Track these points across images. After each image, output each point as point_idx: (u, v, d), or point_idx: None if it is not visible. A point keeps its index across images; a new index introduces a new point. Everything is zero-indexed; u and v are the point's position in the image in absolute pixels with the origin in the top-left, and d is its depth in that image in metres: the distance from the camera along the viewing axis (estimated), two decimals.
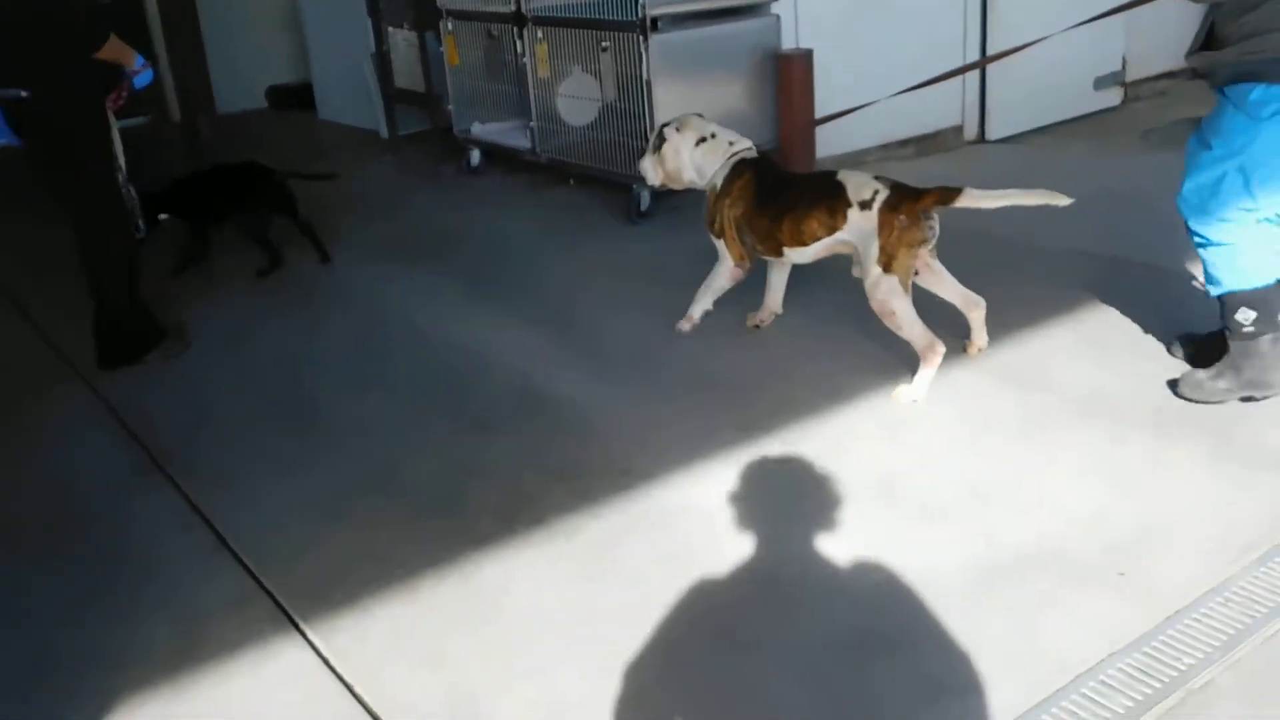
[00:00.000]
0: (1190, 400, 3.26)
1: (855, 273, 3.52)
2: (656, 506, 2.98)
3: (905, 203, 3.32)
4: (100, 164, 3.92)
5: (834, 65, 5.55)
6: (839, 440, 3.25)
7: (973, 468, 3.06)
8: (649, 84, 5.09)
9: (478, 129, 6.42)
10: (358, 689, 2.39)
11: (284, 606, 2.67)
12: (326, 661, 2.49)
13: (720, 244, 3.82)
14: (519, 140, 6.12)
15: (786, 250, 3.65)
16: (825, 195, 3.47)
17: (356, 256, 5.20)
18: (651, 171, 3.93)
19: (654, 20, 5.02)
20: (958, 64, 6.21)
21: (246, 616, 2.65)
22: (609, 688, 2.33)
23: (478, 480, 3.18)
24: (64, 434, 3.66)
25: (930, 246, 3.42)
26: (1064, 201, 3.29)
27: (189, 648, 2.55)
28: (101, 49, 3.84)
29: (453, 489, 3.14)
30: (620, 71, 5.26)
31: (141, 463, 3.42)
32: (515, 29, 5.76)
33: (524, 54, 5.76)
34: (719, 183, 3.75)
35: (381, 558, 2.83)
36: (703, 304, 3.95)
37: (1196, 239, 3.25)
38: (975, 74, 6.37)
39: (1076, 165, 5.92)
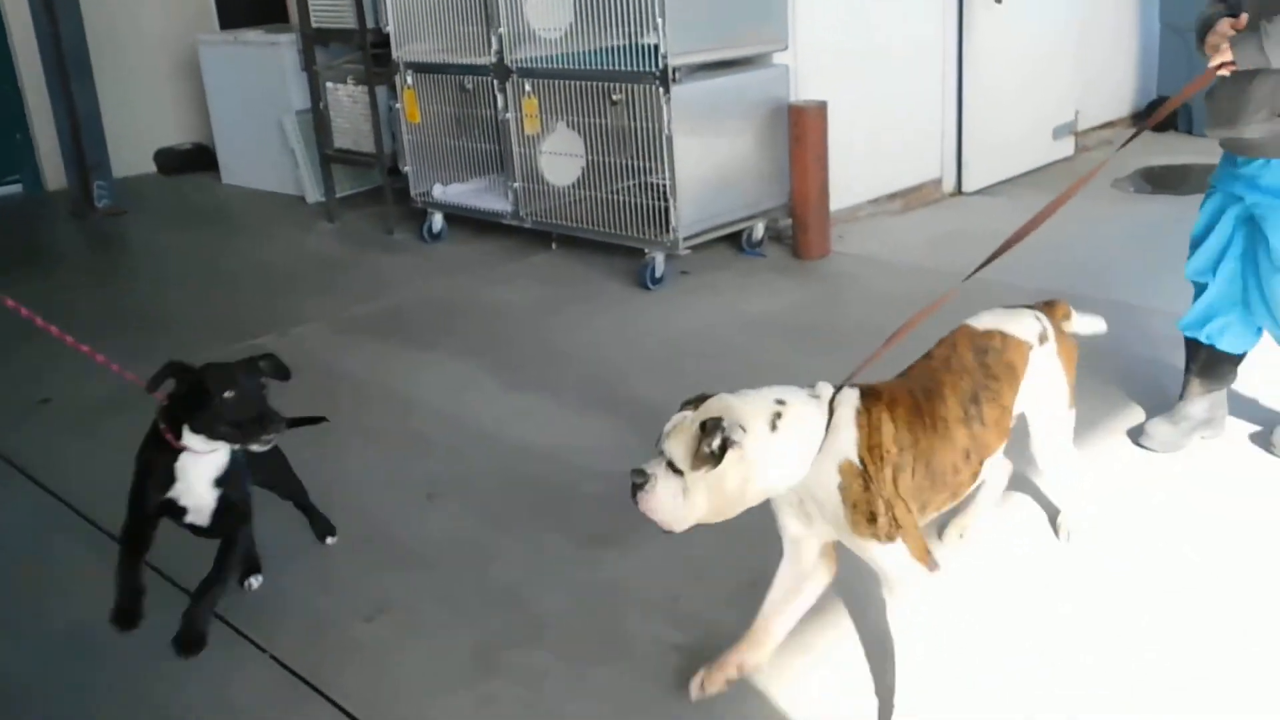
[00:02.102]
0: None
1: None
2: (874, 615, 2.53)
3: (1062, 318, 2.70)
4: None
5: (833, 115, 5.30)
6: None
7: None
8: (670, 139, 4.69)
9: (440, 192, 5.86)
10: None
11: None
12: None
13: (892, 550, 2.19)
14: (494, 203, 5.60)
15: (986, 464, 2.45)
16: (985, 354, 2.46)
17: (344, 340, 4.57)
18: (681, 511, 2.15)
19: (673, 71, 4.62)
20: (938, 111, 6.10)
21: None
22: None
23: (636, 611, 2.66)
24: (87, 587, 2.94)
25: None
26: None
27: None
28: None
29: (613, 626, 2.61)
30: (633, 126, 4.84)
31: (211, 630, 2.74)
32: (496, 82, 5.26)
33: (505, 109, 5.27)
34: (854, 456, 2.19)
35: None
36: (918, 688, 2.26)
37: None
38: (952, 127, 6.25)
39: (1065, 216, 5.82)
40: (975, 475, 2.41)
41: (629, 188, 5.08)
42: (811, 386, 2.26)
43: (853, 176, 5.54)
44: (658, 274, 4.92)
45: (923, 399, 2.34)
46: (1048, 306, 2.67)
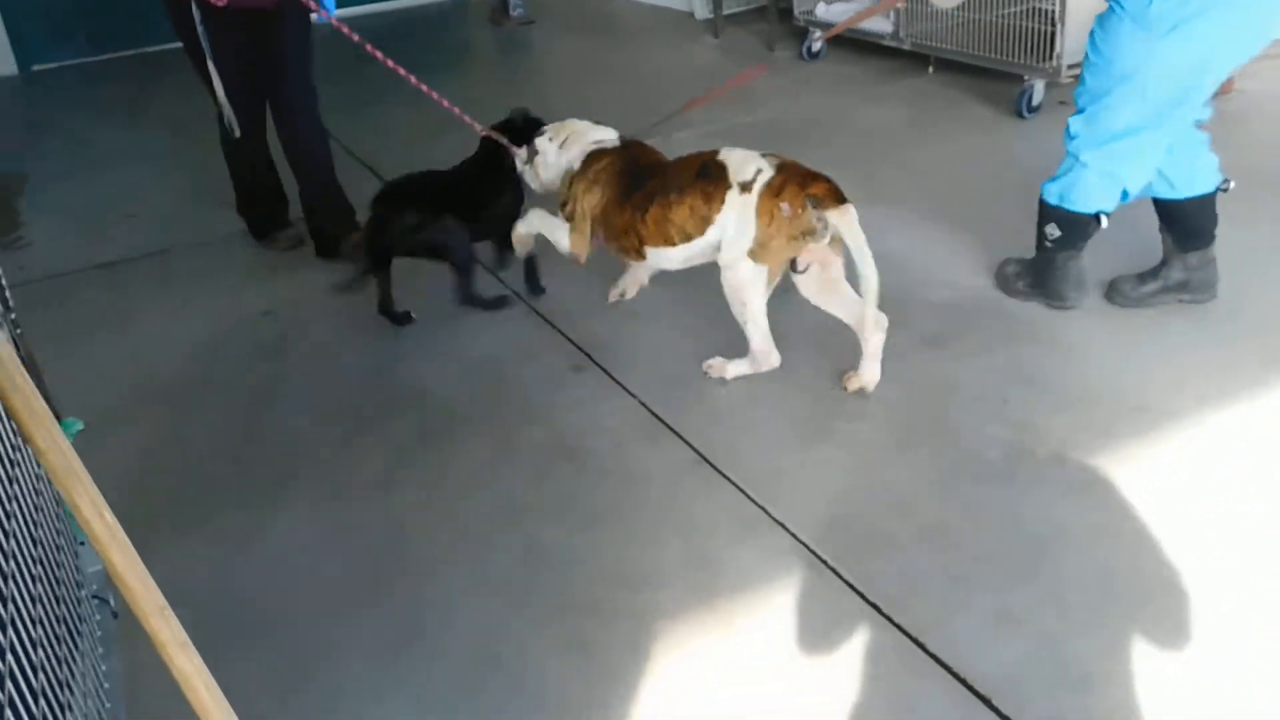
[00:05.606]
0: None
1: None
2: (1188, 454, 2.61)
3: (790, 186, 2.76)
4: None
5: None
6: None
7: None
8: None
9: (823, 10, 5.98)
10: (894, 616, 2.16)
11: (799, 537, 2.46)
12: (852, 586, 2.26)
13: (563, 225, 3.26)
14: (875, 23, 5.64)
15: (649, 251, 3.05)
16: (702, 177, 2.91)
17: (720, 145, 4.90)
18: (532, 180, 3.47)
19: None
20: None
21: (763, 542, 2.45)
22: None
23: (961, 405, 2.87)
24: (498, 331, 3.54)
25: (820, 243, 2.81)
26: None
27: (704, 570, 2.38)
28: None
29: (936, 414, 2.84)
30: None
31: (576, 361, 3.27)
32: None
33: None
34: (575, 164, 3.24)
35: (865, 477, 2.58)
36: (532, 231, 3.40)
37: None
38: None
39: None
40: (638, 248, 3.06)
41: (1015, 13, 4.96)
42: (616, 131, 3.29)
43: None
44: (1034, 102, 4.83)
45: (638, 174, 3.07)
46: (804, 177, 2.77)
